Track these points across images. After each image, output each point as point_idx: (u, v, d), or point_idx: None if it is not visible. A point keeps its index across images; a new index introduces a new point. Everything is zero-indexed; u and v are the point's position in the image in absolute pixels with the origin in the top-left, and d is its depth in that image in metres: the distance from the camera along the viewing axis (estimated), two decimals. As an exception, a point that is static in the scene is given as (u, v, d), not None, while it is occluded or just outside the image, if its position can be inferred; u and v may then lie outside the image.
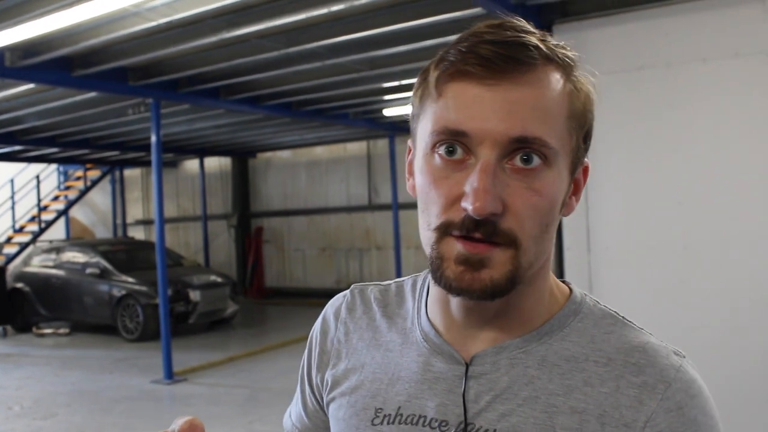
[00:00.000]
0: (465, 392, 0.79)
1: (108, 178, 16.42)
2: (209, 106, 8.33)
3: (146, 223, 16.55)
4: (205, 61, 6.47)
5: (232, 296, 11.00)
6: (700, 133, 4.00)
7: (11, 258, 13.68)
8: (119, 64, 6.39)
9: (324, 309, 1.00)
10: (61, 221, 15.99)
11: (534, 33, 0.74)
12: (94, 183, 15.69)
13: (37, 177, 15.15)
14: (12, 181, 15.18)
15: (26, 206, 15.35)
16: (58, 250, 11.65)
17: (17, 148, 12.03)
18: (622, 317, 0.82)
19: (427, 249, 0.76)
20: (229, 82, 7.31)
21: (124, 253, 11.25)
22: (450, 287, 0.74)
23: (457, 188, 0.72)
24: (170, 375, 7.57)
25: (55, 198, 15.60)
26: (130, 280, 10.33)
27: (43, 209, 15.11)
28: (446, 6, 4.98)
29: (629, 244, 4.21)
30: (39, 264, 11.61)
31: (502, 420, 0.76)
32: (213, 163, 15.37)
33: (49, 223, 14.74)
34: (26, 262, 11.94)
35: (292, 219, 14.70)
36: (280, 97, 8.38)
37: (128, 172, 16.84)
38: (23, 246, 14.08)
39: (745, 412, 3.72)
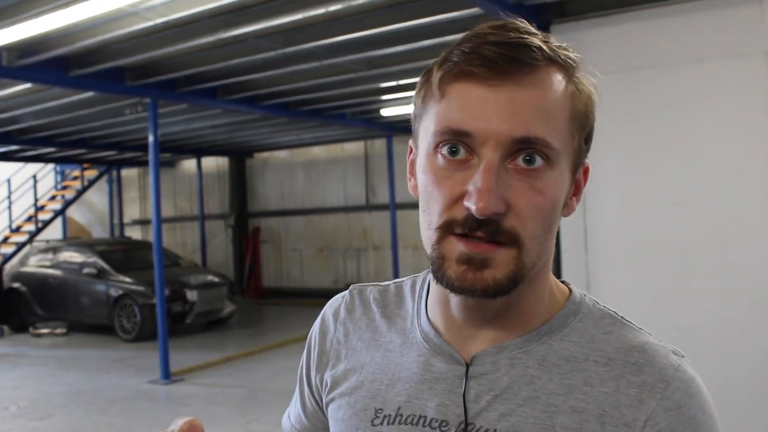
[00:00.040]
0: (465, 392, 0.79)
1: (105, 177, 16.38)
2: (206, 105, 8.33)
3: (143, 222, 16.53)
4: (202, 60, 6.46)
5: (230, 296, 10.99)
6: (698, 133, 3.99)
7: (8, 258, 13.64)
8: (116, 64, 6.38)
9: (323, 310, 1.00)
10: (58, 221, 15.95)
11: (537, 34, 0.74)
12: (91, 183, 15.65)
13: (34, 177, 15.11)
14: (9, 180, 15.14)
15: (23, 206, 15.30)
16: (54, 249, 11.63)
17: (14, 147, 12.01)
18: (622, 317, 0.83)
19: (429, 248, 0.76)
20: (226, 81, 7.30)
21: (121, 253, 11.23)
22: (452, 286, 0.74)
23: (460, 188, 0.72)
24: (167, 375, 7.55)
25: (52, 198, 15.55)
26: (127, 280, 10.31)
27: (40, 209, 15.07)
28: (444, 6, 4.97)
29: (627, 245, 4.20)
30: (36, 264, 11.59)
31: (503, 420, 0.77)
32: (210, 162, 15.36)
33: (46, 223, 14.70)
34: (23, 262, 11.91)
35: (289, 219, 14.69)
36: (277, 97, 8.37)
37: (125, 172, 16.82)
38: (20, 246, 14.04)
39: (745, 412, 3.72)
